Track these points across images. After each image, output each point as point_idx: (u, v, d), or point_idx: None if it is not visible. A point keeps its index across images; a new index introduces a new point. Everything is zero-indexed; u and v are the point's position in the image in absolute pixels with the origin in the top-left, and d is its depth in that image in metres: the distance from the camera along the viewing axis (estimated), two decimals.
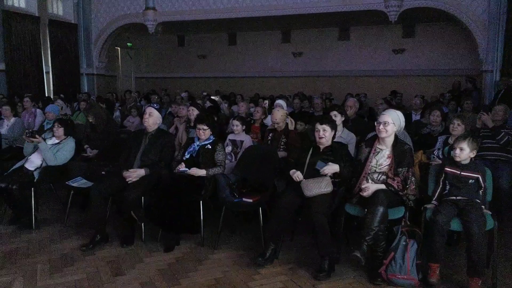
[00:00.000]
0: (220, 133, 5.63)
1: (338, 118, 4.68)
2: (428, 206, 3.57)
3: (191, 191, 4.14)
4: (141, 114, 6.92)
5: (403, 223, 3.50)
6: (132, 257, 3.93)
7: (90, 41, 14.45)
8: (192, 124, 5.55)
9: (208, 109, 7.38)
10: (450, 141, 4.46)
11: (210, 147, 4.43)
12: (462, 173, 3.53)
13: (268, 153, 4.70)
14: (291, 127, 5.52)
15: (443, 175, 3.61)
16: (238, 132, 5.24)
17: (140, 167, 4.28)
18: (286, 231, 4.00)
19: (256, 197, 4.13)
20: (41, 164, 4.79)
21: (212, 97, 9.91)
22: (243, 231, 4.55)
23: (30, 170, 4.75)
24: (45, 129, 6.15)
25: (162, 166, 4.38)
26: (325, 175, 3.70)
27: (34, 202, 4.64)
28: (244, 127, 5.32)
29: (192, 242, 4.22)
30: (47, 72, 13.18)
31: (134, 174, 4.19)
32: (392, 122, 3.61)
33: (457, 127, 4.51)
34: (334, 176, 3.77)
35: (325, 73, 15.59)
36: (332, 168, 3.73)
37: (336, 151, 3.89)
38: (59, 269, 3.69)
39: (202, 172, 4.25)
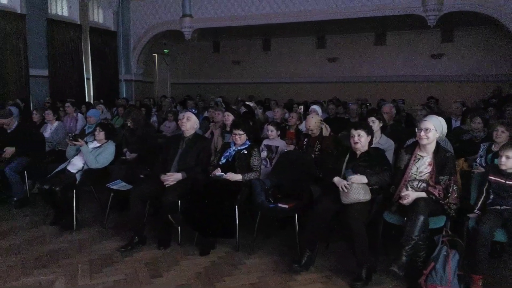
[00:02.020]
0: (255, 139, 5.64)
1: (376, 124, 4.62)
2: (471, 215, 3.46)
3: (227, 196, 4.16)
4: (177, 119, 7.03)
5: (444, 233, 3.39)
6: (169, 259, 3.99)
7: (129, 48, 14.81)
8: (227, 129, 5.59)
9: (244, 114, 7.41)
10: (493, 148, 4.31)
11: (245, 152, 4.44)
12: (507, 182, 3.41)
13: (304, 159, 4.68)
14: (325, 133, 5.46)
15: (487, 184, 3.49)
16: (273, 137, 5.24)
17: (177, 171, 4.35)
18: (322, 238, 3.96)
19: (291, 203, 4.12)
20: (83, 167, 4.93)
21: (247, 103, 9.95)
22: (278, 237, 4.53)
23: (72, 173, 4.91)
24: (87, 133, 6.35)
25: (198, 170, 4.43)
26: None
27: (75, 203, 4.79)
28: (279, 132, 5.32)
29: (227, 246, 4.24)
30: (88, 78, 13.60)
31: (172, 177, 4.26)
32: (434, 128, 3.53)
33: (501, 134, 4.33)
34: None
35: (361, 79, 15.39)
36: (359, 179, 3.64)
37: (373, 157, 3.83)
38: (98, 269, 3.79)
39: (238, 177, 4.27)
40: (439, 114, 6.76)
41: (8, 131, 5.73)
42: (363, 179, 3.63)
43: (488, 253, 3.28)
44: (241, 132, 4.45)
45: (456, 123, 6.86)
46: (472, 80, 13.64)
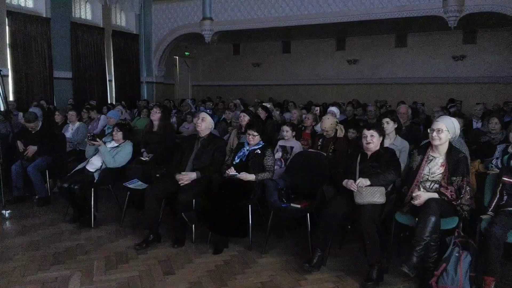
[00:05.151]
0: (270, 140, 5.67)
1: (391, 125, 4.59)
2: (484, 217, 3.42)
3: (240, 195, 4.21)
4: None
5: (456, 234, 3.36)
6: (183, 257, 4.05)
7: (150, 50, 15.09)
8: (242, 130, 5.63)
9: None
10: (510, 150, 4.24)
11: (259, 152, 4.48)
12: None
13: (318, 160, 4.68)
14: (340, 134, 5.45)
15: (501, 185, 3.44)
16: (288, 138, 5.26)
17: (192, 170, 4.42)
18: (334, 239, 3.96)
19: (304, 203, 4.13)
20: (101, 166, 5.05)
21: (264, 104, 9.99)
22: (290, 237, 4.56)
23: (91, 172, 5.03)
24: (106, 133, 6.49)
25: (213, 170, 4.49)
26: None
27: (93, 202, 4.91)
28: (294, 133, 5.34)
29: (240, 245, 4.28)
30: (110, 80, 13.91)
31: (186, 177, 4.33)
32: (446, 129, 3.51)
33: None
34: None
35: (381, 81, 15.29)
36: (363, 182, 3.64)
37: (383, 157, 3.82)
38: (114, 266, 3.88)
39: (251, 177, 4.31)
40: (459, 116, 6.69)
41: (33, 132, 5.91)
42: (367, 181, 3.64)
43: (501, 255, 3.22)
44: (255, 133, 4.49)
45: (477, 125, 6.77)
46: (494, 82, 13.40)
